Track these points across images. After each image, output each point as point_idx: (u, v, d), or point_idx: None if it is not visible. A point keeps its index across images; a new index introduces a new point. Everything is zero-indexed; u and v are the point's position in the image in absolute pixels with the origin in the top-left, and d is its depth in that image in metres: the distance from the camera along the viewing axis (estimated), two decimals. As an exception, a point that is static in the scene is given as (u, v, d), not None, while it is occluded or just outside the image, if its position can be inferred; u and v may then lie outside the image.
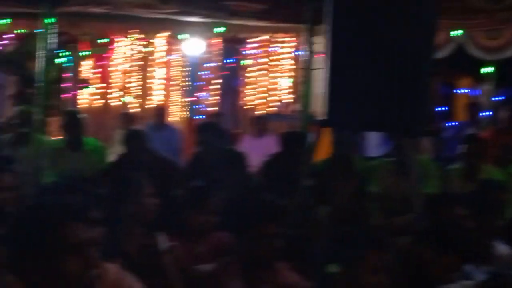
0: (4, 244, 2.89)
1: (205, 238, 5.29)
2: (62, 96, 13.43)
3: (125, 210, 4.77)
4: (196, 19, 10.93)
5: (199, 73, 14.92)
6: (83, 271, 2.57)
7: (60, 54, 12.87)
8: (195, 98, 14.90)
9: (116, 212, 4.72)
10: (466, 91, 14.21)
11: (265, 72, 14.15)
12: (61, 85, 13.42)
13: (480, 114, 12.13)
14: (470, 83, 14.03)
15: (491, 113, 12.05)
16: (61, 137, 8.76)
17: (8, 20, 11.74)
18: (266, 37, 13.27)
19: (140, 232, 4.82)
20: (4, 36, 13.75)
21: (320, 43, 10.97)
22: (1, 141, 8.69)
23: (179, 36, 12.64)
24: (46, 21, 9.50)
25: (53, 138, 9.63)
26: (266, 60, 14.13)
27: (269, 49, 14.05)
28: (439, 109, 13.66)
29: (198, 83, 14.91)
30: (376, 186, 7.38)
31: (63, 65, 13.49)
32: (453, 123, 12.50)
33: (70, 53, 13.34)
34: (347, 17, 5.32)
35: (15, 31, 12.77)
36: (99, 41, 13.85)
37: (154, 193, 4.94)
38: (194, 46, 13.50)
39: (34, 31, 11.79)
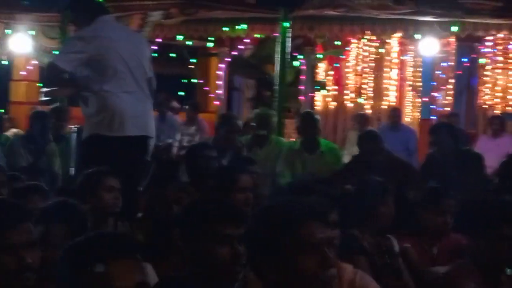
0: (244, 243, 3.00)
1: (440, 239, 5.23)
2: (298, 98, 13.68)
3: (366, 213, 4.79)
4: (430, 19, 10.81)
5: (433, 73, 14.72)
6: (320, 271, 2.59)
7: (296, 57, 13.13)
8: (429, 99, 14.71)
9: (352, 213, 4.75)
10: None
11: (502, 70, 13.73)
12: (297, 88, 13.69)
13: None
14: None
15: None
16: (297, 139, 8.91)
17: (245, 26, 12.13)
18: (503, 34, 12.87)
19: (375, 234, 4.83)
20: (244, 41, 14.22)
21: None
22: (240, 142, 8.96)
23: (414, 36, 12.52)
24: (282, 25, 9.73)
25: (289, 140, 9.83)
26: (502, 58, 13.71)
27: (507, 47, 13.62)
28: None
29: (432, 83, 14.71)
30: None
31: (299, 68, 13.74)
32: None
33: (305, 56, 13.58)
34: None
35: (252, 36, 13.16)
36: (334, 43, 14.00)
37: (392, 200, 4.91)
38: (428, 46, 13.33)
39: (271, 35, 12.14)
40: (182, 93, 17.31)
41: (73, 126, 8.64)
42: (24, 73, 14.10)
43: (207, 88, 15.79)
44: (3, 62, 13.95)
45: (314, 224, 2.62)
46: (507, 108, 13.74)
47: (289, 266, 2.59)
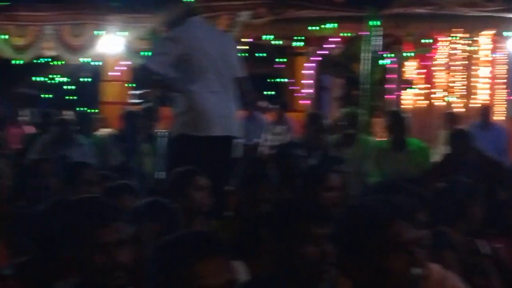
0: (332, 243, 3.00)
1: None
2: (386, 97, 13.59)
3: (456, 212, 4.74)
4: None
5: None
6: (408, 271, 2.59)
7: (384, 56, 13.05)
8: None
9: (443, 212, 4.71)
10: None
11: None
12: (385, 86, 13.59)
13: None
14: None
15: None
16: (386, 138, 8.86)
17: (334, 24, 12.11)
18: None
19: (465, 234, 4.76)
20: (331, 40, 14.18)
21: None
22: (329, 142, 8.95)
23: (504, 34, 12.30)
24: (371, 23, 9.70)
25: (377, 139, 9.79)
26: None
27: None
28: None
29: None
30: None
31: (387, 66, 13.65)
32: None
33: (394, 54, 13.47)
34: None
35: (341, 34, 13.13)
36: (422, 41, 13.86)
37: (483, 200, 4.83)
38: (519, 43, 13.10)
39: (359, 33, 12.09)
40: (271, 93, 17.39)
41: (161, 131, 8.74)
42: (115, 73, 14.33)
43: (295, 87, 15.81)
44: (95, 63, 14.23)
45: (402, 224, 2.62)
46: None
47: (377, 266, 2.60)
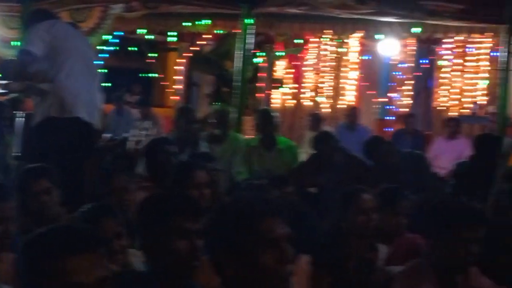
0: (203, 238, 3.00)
1: (396, 239, 5.27)
2: (257, 95, 13.69)
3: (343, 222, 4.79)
4: (391, 19, 10.86)
5: (392, 73, 14.82)
6: (278, 266, 2.61)
7: (256, 54, 13.13)
8: (387, 99, 14.82)
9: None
10: None
11: (460, 73, 13.87)
12: (256, 85, 13.69)
13: None
14: None
15: None
16: (255, 136, 8.92)
17: (207, 21, 12.11)
18: (462, 37, 13.01)
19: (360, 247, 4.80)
20: (204, 36, 14.18)
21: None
22: (199, 138, 8.94)
23: (376, 36, 12.57)
24: (244, 22, 9.72)
25: (247, 137, 9.85)
26: (461, 61, 13.85)
27: (465, 50, 13.77)
28: None
29: (390, 84, 14.81)
30: None
31: (258, 65, 13.75)
32: None
33: (265, 53, 13.59)
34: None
35: (213, 32, 13.14)
36: (294, 41, 14.03)
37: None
38: (388, 46, 13.43)
39: (233, 31, 12.13)
40: (142, 88, 17.28)
41: (19, 112, 8.70)
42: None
43: (165, 83, 15.73)
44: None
45: (273, 220, 2.64)
46: (462, 110, 13.88)
47: (248, 262, 2.60)
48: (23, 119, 8.18)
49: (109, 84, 12.48)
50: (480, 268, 4.18)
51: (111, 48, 14.41)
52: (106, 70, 11.12)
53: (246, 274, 2.62)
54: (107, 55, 13.97)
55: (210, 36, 14.22)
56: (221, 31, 12.70)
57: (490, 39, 13.04)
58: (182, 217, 3.07)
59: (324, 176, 7.84)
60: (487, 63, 13.56)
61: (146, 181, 6.19)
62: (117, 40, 14.16)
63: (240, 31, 9.92)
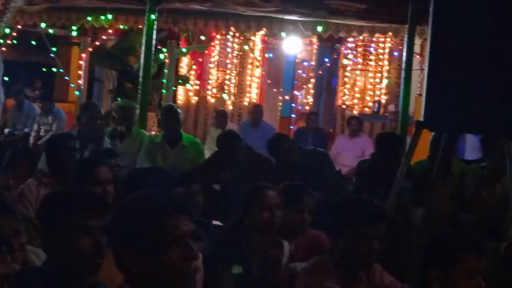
0: (107, 235, 2.95)
1: (300, 236, 5.30)
2: (161, 91, 13.61)
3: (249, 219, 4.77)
4: (295, 18, 10.94)
5: (296, 71, 14.94)
6: (183, 263, 2.59)
7: (161, 50, 13.05)
8: (290, 97, 14.94)
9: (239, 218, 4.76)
10: None
11: (362, 72, 14.08)
12: (160, 81, 13.60)
13: None
14: None
15: None
16: (160, 132, 8.85)
17: (110, 16, 11.96)
18: (364, 36, 13.21)
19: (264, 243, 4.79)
20: (105, 31, 14.01)
21: (417, 44, 10.91)
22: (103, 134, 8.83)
23: (282, 34, 12.64)
24: (149, 17, 9.63)
25: (151, 133, 9.77)
26: (362, 60, 14.06)
27: (367, 49, 13.98)
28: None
29: (294, 82, 14.94)
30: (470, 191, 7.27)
31: (163, 61, 13.66)
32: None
33: (170, 49, 13.51)
34: (451, 18, 5.24)
35: (116, 27, 12.99)
36: (199, 38, 13.99)
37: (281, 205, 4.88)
38: (291, 44, 13.52)
39: (136, 27, 12.02)
40: (43, 82, 16.97)
41: None
42: None
43: (67, 78, 15.48)
44: None
45: (179, 217, 2.61)
46: (364, 109, 14.10)
47: (152, 259, 2.58)
48: None
49: (7, 79, 12.23)
50: (383, 265, 4.25)
51: (10, 42, 14.13)
52: (3, 64, 10.87)
53: (151, 271, 2.59)
54: (4, 49, 13.68)
55: (113, 31, 14.08)
56: (124, 26, 12.56)
57: (392, 39, 13.28)
58: (85, 215, 3.03)
59: (228, 173, 7.85)
60: (389, 62, 13.82)
61: (47, 177, 6.09)
62: (15, 34, 13.90)
63: (142, 26, 9.84)
